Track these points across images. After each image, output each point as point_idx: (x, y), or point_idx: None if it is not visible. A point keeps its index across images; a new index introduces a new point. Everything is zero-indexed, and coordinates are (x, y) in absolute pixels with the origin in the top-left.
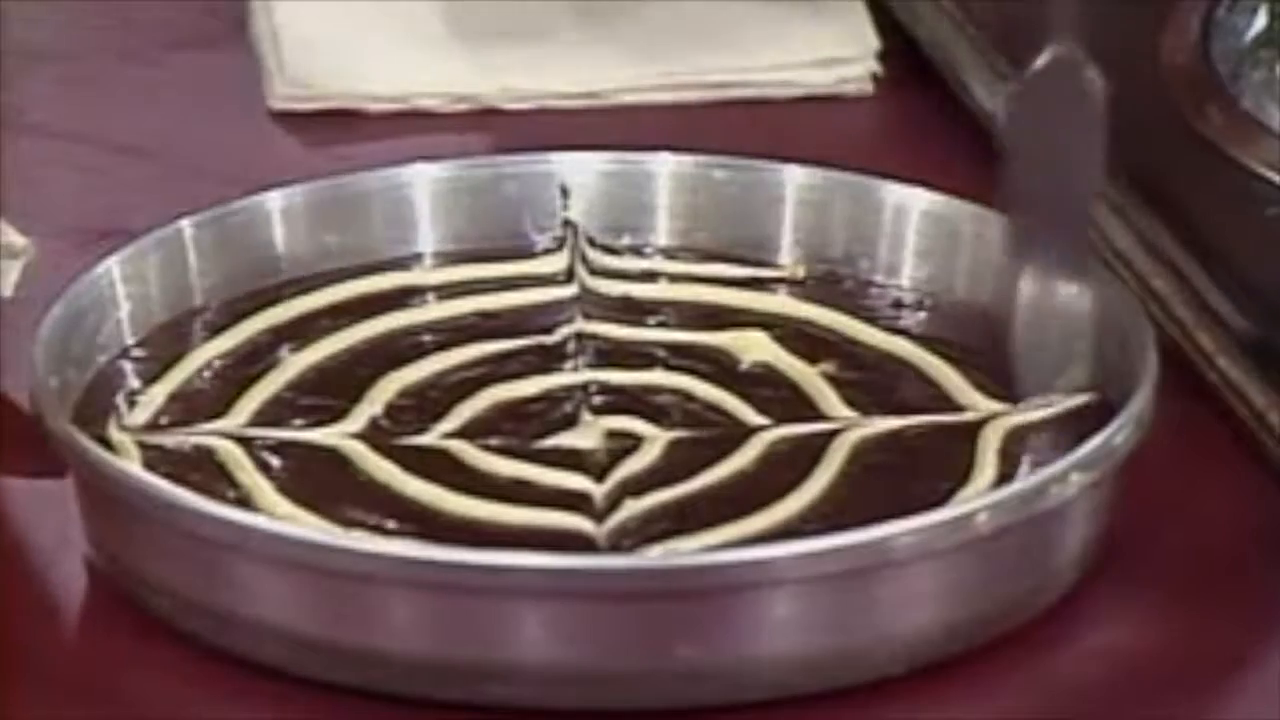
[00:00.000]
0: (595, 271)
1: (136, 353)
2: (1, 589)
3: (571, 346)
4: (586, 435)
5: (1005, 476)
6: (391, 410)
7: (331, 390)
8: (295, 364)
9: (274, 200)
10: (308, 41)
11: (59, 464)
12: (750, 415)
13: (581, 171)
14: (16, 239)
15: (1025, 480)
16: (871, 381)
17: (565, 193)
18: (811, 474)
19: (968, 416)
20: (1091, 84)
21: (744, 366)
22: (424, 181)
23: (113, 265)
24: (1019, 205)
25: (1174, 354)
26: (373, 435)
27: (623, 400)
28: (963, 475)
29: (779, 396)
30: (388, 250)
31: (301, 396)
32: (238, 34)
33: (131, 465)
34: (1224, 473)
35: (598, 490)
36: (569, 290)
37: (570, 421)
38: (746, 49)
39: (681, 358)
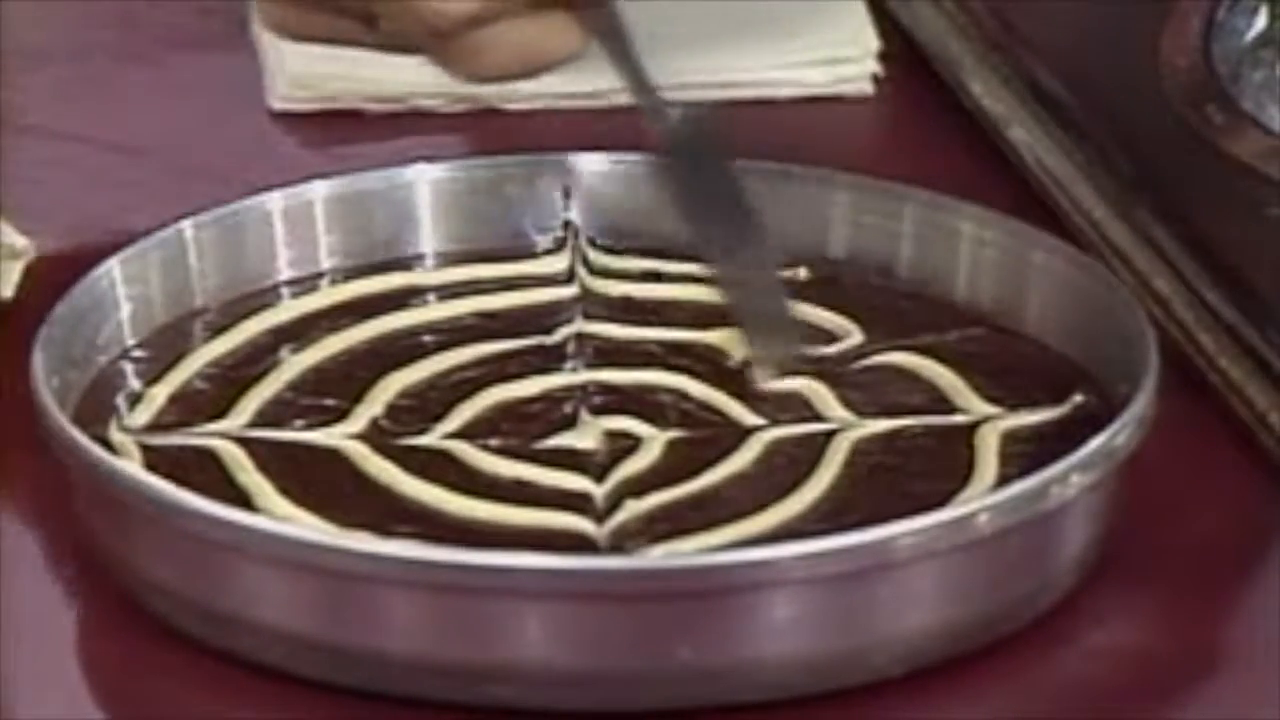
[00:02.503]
0: (596, 272)
1: (137, 354)
2: (1, 589)
3: (572, 347)
4: (586, 435)
5: (1005, 478)
6: (392, 411)
7: (332, 391)
8: (296, 365)
9: (274, 200)
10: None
11: (59, 464)
12: (746, 416)
13: (582, 172)
14: (17, 239)
15: (1026, 481)
16: (869, 382)
17: (566, 193)
18: (812, 475)
19: (966, 418)
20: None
21: (741, 366)
22: (425, 182)
23: (113, 266)
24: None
25: (1174, 354)
26: (373, 436)
27: (623, 401)
28: (963, 476)
29: (776, 397)
30: (388, 251)
31: (302, 397)
32: (238, 34)
33: (132, 466)
34: (1224, 473)
35: (598, 491)
36: (570, 291)
37: (570, 422)
38: (746, 49)
39: (682, 358)
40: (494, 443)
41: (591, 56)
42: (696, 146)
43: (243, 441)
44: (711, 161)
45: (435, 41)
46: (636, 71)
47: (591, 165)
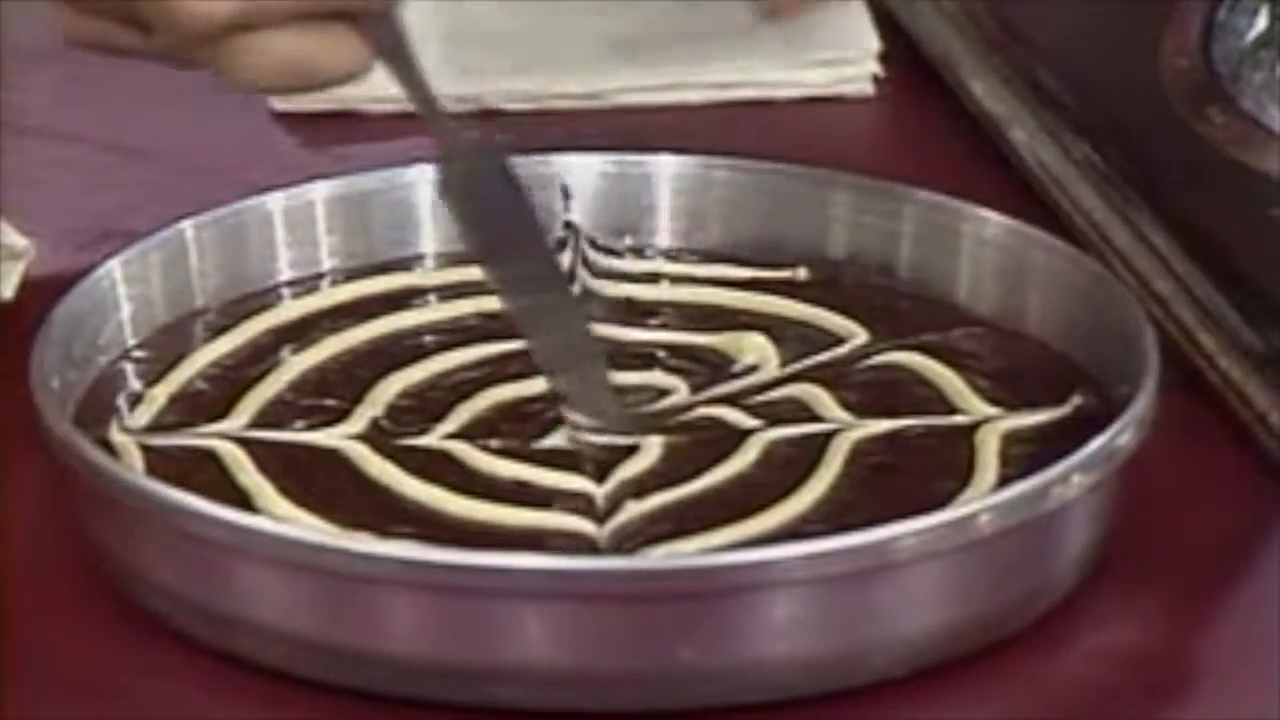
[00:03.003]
0: (597, 273)
1: (138, 354)
2: (1, 589)
3: None
4: (574, 436)
5: (1006, 478)
6: (392, 411)
7: (333, 391)
8: (296, 365)
9: (274, 201)
10: None
11: (59, 465)
12: (743, 418)
13: (583, 173)
14: (17, 240)
15: (1027, 482)
16: (869, 383)
17: (567, 194)
18: (812, 476)
19: (966, 419)
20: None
21: (740, 368)
22: (425, 182)
23: (114, 266)
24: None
25: (1175, 354)
26: (374, 436)
27: None
28: (964, 477)
29: (775, 398)
30: (389, 251)
31: (303, 398)
32: None
33: (133, 468)
34: (1224, 473)
35: (599, 491)
36: None
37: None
38: (747, 49)
39: (681, 359)
40: (494, 443)
41: (589, 58)
42: (482, 167)
43: (243, 442)
44: (501, 185)
45: (201, 49)
46: (421, 88)
47: (591, 165)
